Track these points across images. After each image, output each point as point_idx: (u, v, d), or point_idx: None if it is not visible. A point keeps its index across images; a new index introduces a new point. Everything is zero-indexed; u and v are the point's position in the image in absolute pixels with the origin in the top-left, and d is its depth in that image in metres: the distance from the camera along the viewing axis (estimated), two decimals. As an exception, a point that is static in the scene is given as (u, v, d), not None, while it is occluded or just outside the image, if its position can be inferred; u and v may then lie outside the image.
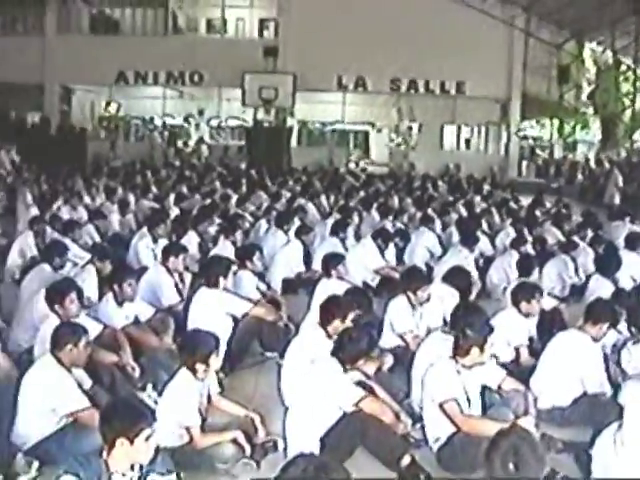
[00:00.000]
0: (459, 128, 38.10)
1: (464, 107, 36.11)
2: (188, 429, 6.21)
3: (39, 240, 12.58)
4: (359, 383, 6.62)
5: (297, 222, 13.88)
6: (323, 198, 18.94)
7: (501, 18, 33.74)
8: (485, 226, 15.38)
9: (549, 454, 6.02)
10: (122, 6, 37.09)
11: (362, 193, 20.24)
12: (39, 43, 35.91)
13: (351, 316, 7.61)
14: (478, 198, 20.15)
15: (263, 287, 10.81)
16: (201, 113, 38.38)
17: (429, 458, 6.50)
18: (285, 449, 6.43)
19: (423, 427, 6.69)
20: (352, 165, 34.49)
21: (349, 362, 6.49)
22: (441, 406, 6.34)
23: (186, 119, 38.78)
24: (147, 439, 4.68)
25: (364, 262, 12.11)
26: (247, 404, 7.04)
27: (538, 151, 40.69)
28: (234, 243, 12.12)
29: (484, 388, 6.81)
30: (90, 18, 37.40)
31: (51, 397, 6.28)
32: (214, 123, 38.89)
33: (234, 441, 6.31)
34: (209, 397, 6.67)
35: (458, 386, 6.43)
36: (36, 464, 6.15)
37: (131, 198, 17.80)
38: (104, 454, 4.63)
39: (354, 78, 34.81)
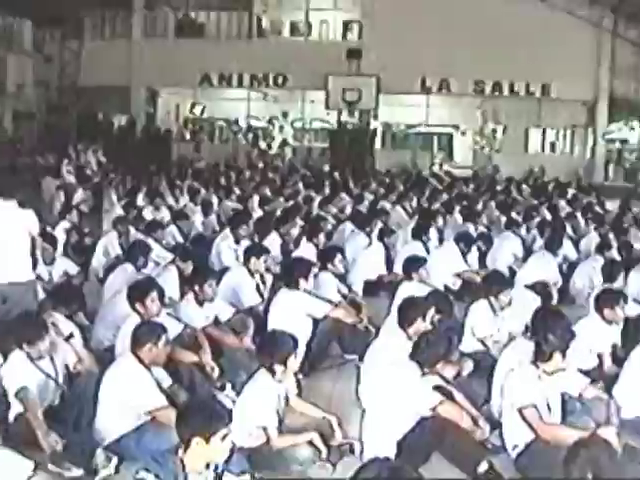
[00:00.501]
0: (544, 131, 37.47)
1: (549, 109, 35.59)
2: (265, 430, 6.20)
3: (123, 240, 12.73)
4: (437, 387, 6.54)
5: (379, 224, 13.82)
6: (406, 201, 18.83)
7: (588, 19, 33.14)
8: (570, 230, 15.11)
9: (631, 466, 5.86)
10: (207, 10, 37.41)
11: (445, 196, 20.05)
12: (126, 47, 36.48)
13: (430, 314, 7.55)
14: (563, 202, 19.82)
15: (344, 289, 10.79)
16: (285, 115, 38.48)
17: (507, 465, 6.40)
18: (361, 452, 6.39)
19: (501, 433, 6.58)
20: (436, 168, 34.20)
21: (427, 366, 6.43)
22: (520, 412, 6.23)
23: (270, 121, 38.90)
24: (223, 439, 4.68)
25: (446, 265, 12.00)
26: (325, 406, 7.02)
27: (625, 154, 39.82)
28: (316, 245, 12.09)
29: (565, 395, 6.68)
30: (176, 22, 37.78)
31: (130, 395, 6.36)
32: (298, 125, 38.92)
33: (310, 443, 6.30)
34: (287, 398, 6.66)
35: (538, 392, 6.30)
36: (115, 460, 6.23)
37: (214, 199, 17.92)
38: (180, 452, 4.65)
39: (438, 80, 34.52)
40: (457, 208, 16.69)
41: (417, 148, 36.54)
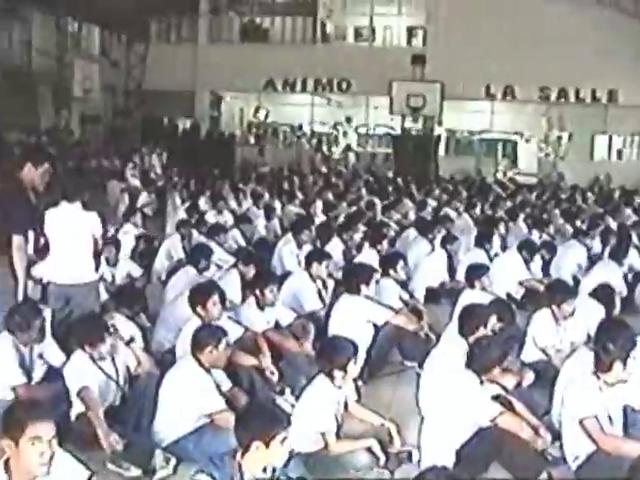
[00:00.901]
0: (610, 138, 36.92)
1: (616, 116, 34.97)
2: (323, 435, 6.19)
3: (185, 243, 12.85)
4: (497, 397, 6.46)
5: (442, 231, 13.74)
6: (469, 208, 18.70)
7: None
8: (636, 239, 14.87)
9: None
10: (272, 15, 37.63)
11: (509, 203, 19.87)
12: (191, 51, 36.83)
13: (492, 323, 7.48)
14: (629, 210, 19.55)
15: (406, 296, 10.74)
16: (349, 120, 38.48)
17: (567, 476, 6.30)
18: (419, 460, 6.34)
19: (562, 445, 6.47)
20: (500, 175, 33.93)
21: (483, 372, 6.34)
22: (581, 423, 6.13)
23: (334, 126, 38.94)
24: (282, 442, 4.68)
25: (509, 274, 11.89)
26: (384, 413, 6.98)
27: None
28: (378, 251, 12.04)
29: (627, 408, 6.56)
30: (241, 27, 38.08)
31: (190, 397, 6.39)
32: (361, 131, 38.92)
33: (369, 449, 6.27)
34: (346, 404, 6.64)
35: (599, 404, 6.19)
36: (173, 461, 6.28)
37: (277, 204, 18.00)
38: (238, 456, 4.65)
39: (503, 86, 34.28)
40: (521, 216, 16.54)
41: (481, 155, 36.26)
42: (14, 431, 4.35)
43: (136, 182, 21.14)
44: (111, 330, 7.06)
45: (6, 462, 4.43)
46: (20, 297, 7.84)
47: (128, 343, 7.34)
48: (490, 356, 6.42)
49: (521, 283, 11.95)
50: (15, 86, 30.24)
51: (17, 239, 7.74)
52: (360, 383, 7.66)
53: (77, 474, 4.71)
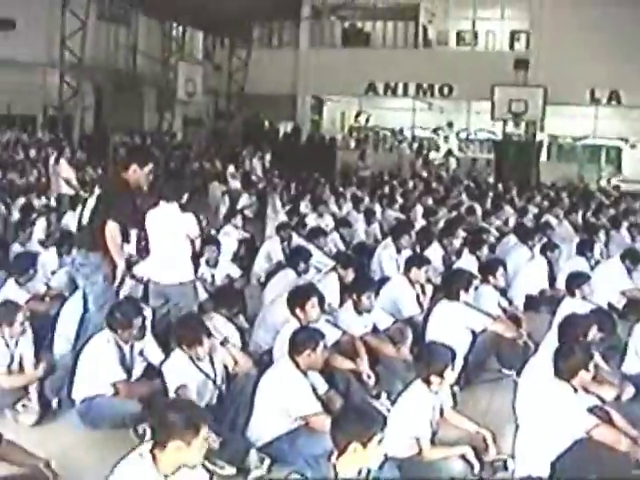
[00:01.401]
0: None
1: None
2: (418, 440, 6.15)
3: (285, 245, 12.94)
4: (594, 408, 6.34)
5: (543, 238, 13.56)
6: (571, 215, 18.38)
7: None
8: None
9: None
10: (374, 19, 37.65)
11: (612, 211, 19.48)
12: (293, 55, 37.19)
13: (592, 333, 7.35)
14: None
15: (505, 303, 10.60)
16: (450, 125, 38.33)
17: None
18: (514, 470, 6.27)
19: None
20: (603, 182, 33.30)
21: (569, 377, 6.20)
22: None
23: (435, 131, 38.82)
24: (379, 443, 4.68)
25: (611, 283, 11.65)
26: (480, 420, 6.91)
27: None
28: (478, 257, 11.95)
29: None
30: (342, 31, 38.22)
31: (286, 399, 6.43)
32: (463, 135, 38.70)
33: (463, 457, 6.21)
34: (442, 410, 6.60)
35: None
36: (268, 461, 6.32)
37: (377, 208, 18.00)
38: (333, 458, 4.67)
39: (608, 91, 33.62)
40: (624, 224, 16.19)
41: (584, 161, 35.64)
42: (189, 433, 4.49)
43: (237, 184, 21.37)
44: (209, 332, 7.16)
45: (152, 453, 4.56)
46: (119, 278, 8.05)
47: (223, 343, 7.43)
48: (574, 359, 6.27)
49: (623, 292, 11.70)
50: (120, 89, 30.96)
51: (111, 225, 7.88)
52: (457, 389, 7.60)
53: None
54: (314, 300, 7.97)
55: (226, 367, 7.36)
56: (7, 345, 7.49)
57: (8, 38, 25.16)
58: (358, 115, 39.53)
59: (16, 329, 7.47)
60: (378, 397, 7.72)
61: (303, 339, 6.69)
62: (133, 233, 9.58)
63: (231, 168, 21.60)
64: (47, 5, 27.15)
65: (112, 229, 7.88)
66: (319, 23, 37.81)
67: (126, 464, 4.62)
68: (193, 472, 4.64)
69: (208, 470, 4.97)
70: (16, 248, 11.94)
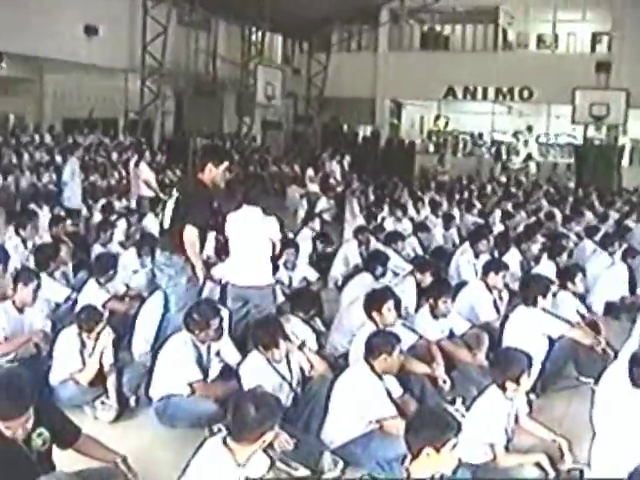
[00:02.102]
0: None
1: None
2: (492, 447, 6.10)
3: (363, 249, 12.95)
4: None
5: (624, 244, 13.34)
6: None
7: None
8: None
9: None
10: (453, 23, 37.43)
11: (696, 217, 19.10)
12: (371, 59, 37.18)
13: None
14: None
15: (583, 310, 10.45)
16: (530, 129, 37.94)
17: None
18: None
19: None
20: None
21: (640, 383, 6.08)
22: None
23: (514, 135, 38.47)
24: (453, 449, 4.66)
25: (694, 290, 11.45)
26: (556, 428, 6.82)
27: None
28: (557, 263, 11.81)
29: None
30: (421, 35, 38.11)
31: (361, 402, 6.43)
32: (543, 140, 38.24)
33: (538, 464, 6.14)
34: (517, 417, 6.54)
35: None
36: (341, 464, 6.34)
37: (456, 212, 17.92)
38: (407, 462, 4.66)
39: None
40: None
41: (668, 165, 34.98)
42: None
43: (316, 188, 21.44)
44: (286, 335, 7.21)
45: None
46: (200, 280, 8.18)
47: (300, 347, 7.47)
48: None
49: None
50: (200, 93, 31.31)
51: (189, 229, 7.98)
52: (532, 396, 7.54)
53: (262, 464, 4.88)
54: (390, 303, 7.96)
55: (302, 370, 7.40)
56: (84, 344, 7.65)
57: (91, 44, 25.61)
58: (437, 119, 39.39)
59: (95, 335, 7.64)
60: (453, 402, 7.68)
61: (379, 343, 6.68)
62: (211, 235, 9.73)
63: (310, 171, 21.65)
64: (129, 12, 27.58)
65: (190, 233, 7.99)
66: (398, 27, 37.71)
67: (203, 453, 4.73)
68: (258, 456, 4.70)
69: (267, 454, 5.03)
70: (97, 249, 12.18)
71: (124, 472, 5.47)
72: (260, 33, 34.33)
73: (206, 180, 8.28)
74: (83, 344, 7.63)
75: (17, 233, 12.04)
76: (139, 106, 28.84)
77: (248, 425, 4.65)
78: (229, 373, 7.52)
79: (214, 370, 7.49)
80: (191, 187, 8.53)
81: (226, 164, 8.37)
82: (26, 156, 22.55)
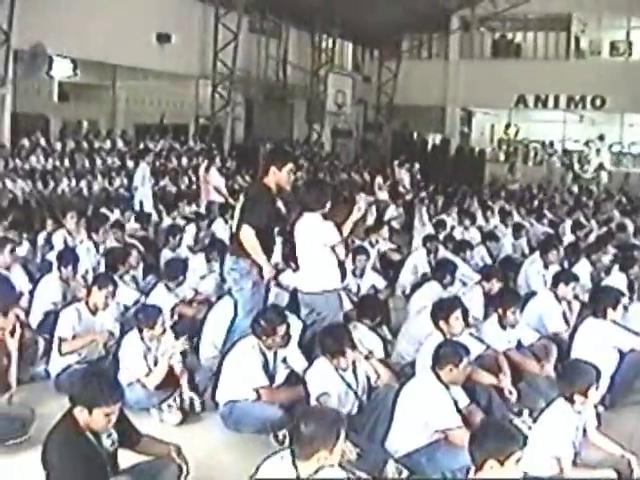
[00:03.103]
0: None
1: None
2: (559, 460, 6.01)
3: (431, 258, 12.89)
4: None
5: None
6: None
7: None
8: None
9: None
10: (524, 30, 37.12)
11: None
12: (442, 67, 37.08)
13: None
14: None
15: (655, 323, 10.31)
16: (602, 138, 37.40)
17: None
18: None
19: None
20: None
21: None
22: None
23: (586, 144, 37.97)
24: (517, 462, 4.61)
25: None
26: (625, 443, 6.66)
27: None
28: (628, 275, 11.62)
29: None
30: (492, 43, 37.88)
31: (427, 411, 6.38)
32: (615, 149, 37.69)
33: (606, 480, 6.07)
34: (585, 430, 6.44)
35: None
36: (405, 473, 6.32)
37: (525, 222, 17.75)
38: (471, 473, 4.62)
39: None
40: None
41: None
42: (330, 442, 4.57)
43: (385, 196, 21.42)
44: (354, 343, 7.20)
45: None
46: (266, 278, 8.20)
47: (367, 357, 7.46)
48: None
49: None
50: (271, 100, 31.50)
51: (244, 228, 8.07)
52: (601, 410, 7.42)
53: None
54: (458, 313, 7.91)
55: (368, 378, 7.39)
56: (148, 348, 7.74)
57: (164, 51, 25.93)
58: (507, 127, 39.07)
59: (157, 331, 7.73)
60: (520, 414, 7.60)
61: (448, 354, 6.62)
62: (279, 241, 9.77)
63: (379, 179, 21.65)
64: (201, 19, 27.85)
65: (245, 232, 8.05)
66: (469, 34, 37.56)
67: (269, 465, 4.73)
68: (332, 470, 4.68)
69: (343, 468, 5.00)
70: (166, 254, 12.32)
71: (177, 461, 5.54)
72: (330, 40, 34.46)
73: (271, 183, 8.33)
74: (148, 348, 7.74)
75: (89, 237, 12.25)
76: (210, 112, 29.08)
77: (300, 442, 4.64)
78: (295, 379, 7.54)
79: (280, 376, 7.53)
80: (253, 190, 8.60)
81: (290, 166, 8.41)
82: (98, 161, 22.88)
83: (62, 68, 25.17)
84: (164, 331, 7.85)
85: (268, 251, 8.34)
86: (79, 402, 5.07)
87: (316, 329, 8.34)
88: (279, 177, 8.31)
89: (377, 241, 14.15)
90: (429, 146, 36.75)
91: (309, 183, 11.55)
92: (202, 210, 17.48)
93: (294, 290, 9.18)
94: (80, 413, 5.06)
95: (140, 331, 7.78)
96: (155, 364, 7.76)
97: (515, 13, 34.37)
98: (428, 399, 6.45)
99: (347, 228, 8.74)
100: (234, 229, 8.45)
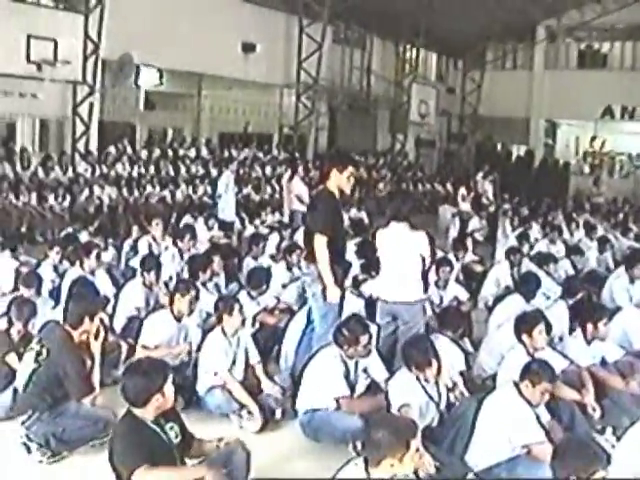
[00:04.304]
0: None
1: None
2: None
3: (514, 271, 12.76)
4: None
5: None
6: None
7: None
8: None
9: None
10: (611, 40, 36.51)
11: None
12: (527, 78, 36.70)
13: None
14: None
15: None
16: (691, 150, 36.69)
17: None
18: None
19: None
20: None
21: None
22: None
23: (672, 156, 37.30)
24: None
25: None
26: None
27: None
28: None
29: None
30: (578, 53, 37.37)
31: (509, 426, 6.32)
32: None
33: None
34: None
35: None
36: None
37: (611, 236, 17.46)
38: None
39: None
40: None
41: None
42: (400, 450, 4.56)
43: (467, 207, 21.27)
44: (438, 355, 7.15)
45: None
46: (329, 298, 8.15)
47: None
48: None
49: None
50: (354, 109, 31.56)
51: (317, 238, 8.04)
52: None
53: None
54: (541, 327, 7.81)
55: (448, 390, 7.34)
56: (230, 343, 7.92)
57: (248, 61, 26.20)
58: (593, 139, 38.50)
59: (236, 320, 7.86)
60: (603, 432, 7.50)
61: (534, 371, 6.52)
62: (355, 249, 9.75)
63: (462, 190, 21.52)
64: (285, 29, 28.04)
65: (318, 242, 8.05)
66: (554, 45, 37.12)
67: (343, 474, 4.75)
68: None
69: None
70: (248, 262, 12.40)
71: (241, 444, 5.59)
72: (414, 50, 34.37)
73: (333, 186, 8.33)
74: (229, 342, 7.87)
75: (174, 243, 12.41)
76: (293, 121, 29.22)
77: (368, 447, 4.63)
78: (375, 390, 7.53)
79: (360, 386, 7.51)
80: (318, 195, 8.60)
81: (350, 170, 8.39)
82: (183, 169, 23.16)
83: (149, 77, 25.53)
84: (243, 321, 7.94)
85: (338, 255, 8.32)
86: (154, 392, 5.20)
87: (397, 338, 8.34)
88: (340, 180, 8.30)
89: (462, 254, 14.01)
90: (513, 158, 36.43)
91: (393, 193, 11.54)
92: (285, 219, 17.55)
93: (370, 298, 9.16)
94: (155, 403, 5.20)
95: (220, 320, 7.88)
96: (234, 362, 7.88)
97: (602, 22, 33.82)
98: (510, 413, 6.39)
99: None
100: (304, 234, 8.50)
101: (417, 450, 4.66)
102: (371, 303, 9.24)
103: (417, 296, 8.65)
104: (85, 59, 20.23)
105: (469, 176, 26.55)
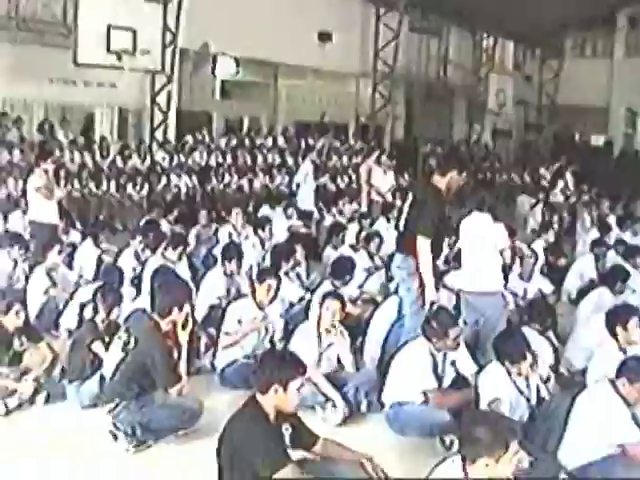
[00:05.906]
0: None
1: None
2: None
3: (599, 264, 12.51)
4: None
5: None
6: None
7: None
8: None
9: None
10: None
11: None
12: (606, 66, 35.95)
13: None
14: None
15: None
16: None
17: None
18: None
19: None
20: None
21: None
22: None
23: None
24: None
25: None
26: None
27: None
28: None
29: None
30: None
31: (603, 424, 6.12)
32: None
33: None
34: None
35: None
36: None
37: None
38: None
39: None
40: None
41: None
42: (498, 449, 4.42)
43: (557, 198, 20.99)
44: (531, 348, 6.99)
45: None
46: (427, 302, 8.02)
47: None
48: None
49: None
50: (431, 99, 31.35)
51: (421, 242, 7.94)
52: None
53: None
54: (636, 320, 7.58)
55: (538, 385, 7.15)
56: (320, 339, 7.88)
57: (325, 49, 26.13)
58: (674, 129, 37.69)
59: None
60: None
61: (632, 369, 6.29)
62: (445, 242, 9.63)
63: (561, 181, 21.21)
64: (362, 18, 27.90)
65: (423, 247, 7.96)
66: (635, 32, 36.35)
67: (440, 471, 4.64)
68: None
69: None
70: (328, 252, 12.33)
71: (370, 473, 5.49)
72: (492, 39, 33.99)
73: (442, 184, 8.20)
74: (318, 335, 7.81)
75: (255, 232, 12.41)
76: (370, 111, 29.09)
77: (465, 444, 4.53)
78: (462, 383, 7.41)
79: (447, 379, 7.40)
80: (425, 192, 8.44)
81: (465, 174, 8.29)
82: (260, 158, 23.19)
83: (225, 66, 25.61)
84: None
85: (435, 256, 8.22)
86: (275, 381, 5.10)
87: (478, 330, 8.22)
88: (454, 181, 8.19)
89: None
90: (592, 148, 35.84)
91: (475, 184, 11.39)
92: (363, 209, 17.43)
93: (459, 291, 9.04)
94: (274, 395, 5.11)
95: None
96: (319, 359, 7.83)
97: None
98: (605, 412, 6.18)
99: None
100: (402, 227, 8.35)
101: (516, 453, 4.51)
102: (455, 295, 9.12)
103: (497, 287, 8.55)
104: (164, 48, 20.29)
105: (547, 167, 26.17)
